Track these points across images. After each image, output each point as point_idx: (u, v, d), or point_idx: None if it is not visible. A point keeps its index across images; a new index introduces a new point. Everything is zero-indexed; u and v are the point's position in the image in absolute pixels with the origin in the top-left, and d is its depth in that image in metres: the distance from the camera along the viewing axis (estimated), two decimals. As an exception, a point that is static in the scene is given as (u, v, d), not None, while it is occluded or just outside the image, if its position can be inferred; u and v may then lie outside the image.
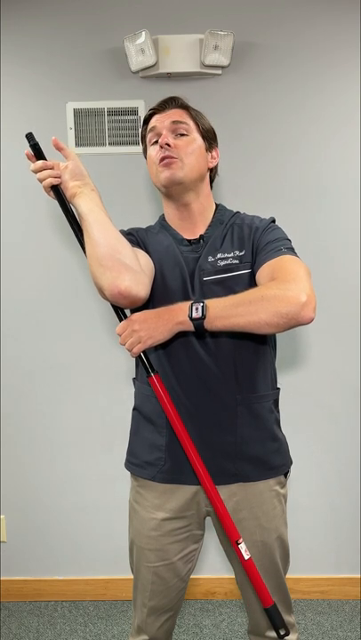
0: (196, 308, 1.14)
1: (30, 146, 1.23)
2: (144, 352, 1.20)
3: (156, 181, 1.31)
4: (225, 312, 1.13)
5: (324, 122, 2.07)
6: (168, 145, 1.26)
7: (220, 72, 2.02)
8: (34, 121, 2.04)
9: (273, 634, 1.32)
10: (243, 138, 2.07)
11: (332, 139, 2.08)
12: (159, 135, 1.29)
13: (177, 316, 1.16)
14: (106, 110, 2.07)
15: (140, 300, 1.19)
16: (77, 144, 2.08)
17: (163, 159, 1.26)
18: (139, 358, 1.22)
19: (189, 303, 1.16)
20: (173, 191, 1.29)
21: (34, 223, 2.13)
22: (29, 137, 1.23)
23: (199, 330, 1.15)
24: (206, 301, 1.15)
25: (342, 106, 2.06)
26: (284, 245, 1.24)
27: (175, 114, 1.30)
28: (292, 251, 1.24)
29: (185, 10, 2.03)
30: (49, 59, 2.07)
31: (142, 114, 2.06)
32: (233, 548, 1.25)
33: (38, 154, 1.23)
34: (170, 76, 2.03)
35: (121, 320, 1.22)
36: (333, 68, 2.05)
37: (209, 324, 1.14)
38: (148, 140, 1.33)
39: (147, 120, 1.34)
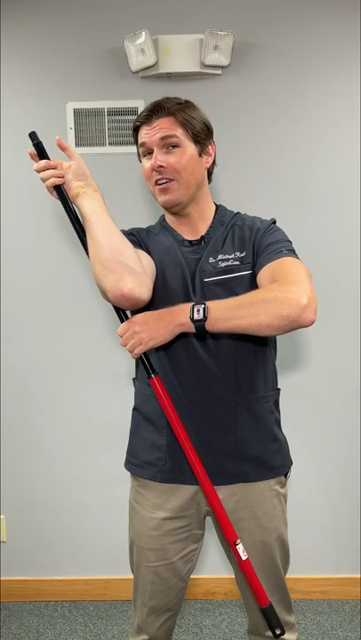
0: (198, 310, 1.14)
1: (33, 145, 1.22)
2: (145, 353, 1.20)
3: (153, 195, 1.31)
4: (226, 314, 1.13)
5: (324, 122, 2.07)
6: (162, 167, 1.24)
7: (220, 72, 2.02)
8: (34, 121, 2.04)
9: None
10: (242, 138, 2.07)
11: (333, 138, 2.07)
12: (150, 150, 1.27)
13: (178, 317, 1.16)
14: (106, 110, 2.07)
15: (143, 302, 1.19)
16: (77, 144, 2.08)
17: (157, 182, 1.26)
18: (139, 359, 1.22)
19: (191, 305, 1.16)
20: (172, 210, 1.31)
21: (35, 222, 2.13)
22: (32, 136, 1.22)
23: (200, 331, 1.15)
24: (207, 303, 1.15)
25: (342, 106, 2.06)
26: (285, 247, 1.24)
27: (163, 125, 1.25)
28: (293, 252, 1.24)
29: (185, 10, 2.03)
30: (49, 59, 2.07)
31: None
32: (230, 548, 1.25)
33: (41, 153, 1.22)
34: (170, 76, 2.03)
35: (122, 321, 1.22)
36: (333, 69, 2.05)
37: (210, 326, 1.14)
38: (140, 152, 1.31)
39: (136, 129, 1.30)
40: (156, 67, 1.98)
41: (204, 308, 1.14)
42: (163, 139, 1.25)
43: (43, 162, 1.21)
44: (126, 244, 1.18)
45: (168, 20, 2.02)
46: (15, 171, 2.10)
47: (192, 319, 1.14)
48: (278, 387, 1.37)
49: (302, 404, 2.13)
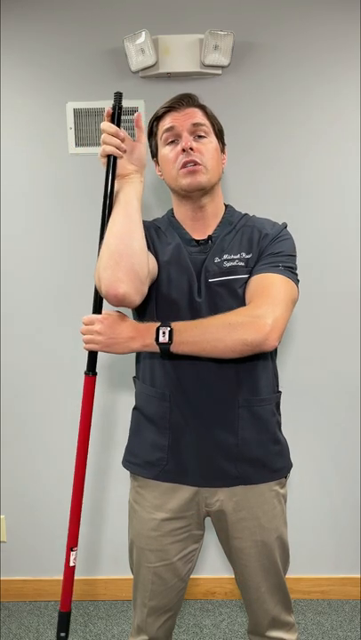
0: (163, 333, 1.15)
1: (114, 106, 1.20)
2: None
3: (175, 185, 1.29)
4: (192, 337, 1.14)
5: (323, 121, 2.07)
6: (192, 149, 1.24)
7: (220, 72, 2.02)
8: (34, 121, 2.04)
9: (273, 634, 1.33)
10: (242, 138, 2.07)
11: (332, 138, 2.07)
12: (177, 136, 1.26)
13: (144, 338, 1.17)
14: (106, 110, 2.06)
15: (131, 306, 1.20)
16: (77, 144, 2.07)
17: (186, 164, 1.24)
18: (88, 353, 1.25)
19: (157, 326, 1.16)
20: (194, 196, 1.28)
21: (34, 221, 2.12)
22: (118, 97, 1.20)
23: (165, 353, 1.16)
24: (173, 325, 1.15)
25: (342, 105, 2.06)
26: (283, 263, 1.23)
27: (194, 114, 1.27)
28: (289, 270, 1.24)
29: (185, 10, 2.03)
30: (49, 59, 2.07)
31: (142, 114, 2.05)
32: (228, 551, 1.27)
33: (117, 119, 1.20)
34: (170, 76, 2.03)
35: (94, 311, 1.24)
36: (333, 68, 2.05)
37: (175, 349, 1.15)
38: (162, 138, 1.29)
39: (159, 117, 1.30)
40: (156, 67, 1.98)
41: (170, 331, 1.14)
42: (195, 125, 1.26)
43: (115, 128, 1.19)
44: (143, 247, 1.16)
45: (168, 20, 2.02)
46: (15, 169, 2.10)
47: (157, 341, 1.15)
48: (280, 389, 1.37)
49: (302, 405, 2.12)
